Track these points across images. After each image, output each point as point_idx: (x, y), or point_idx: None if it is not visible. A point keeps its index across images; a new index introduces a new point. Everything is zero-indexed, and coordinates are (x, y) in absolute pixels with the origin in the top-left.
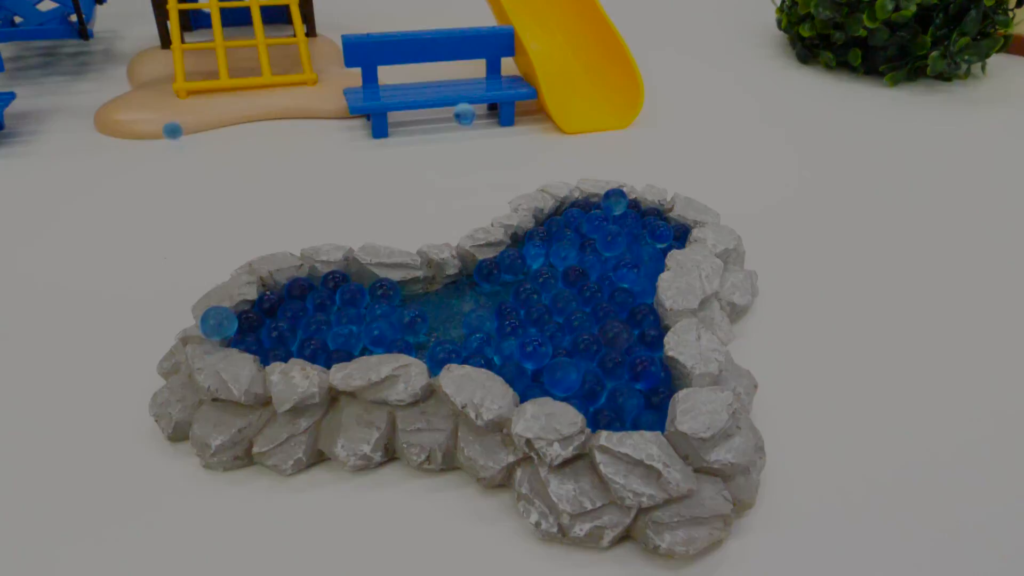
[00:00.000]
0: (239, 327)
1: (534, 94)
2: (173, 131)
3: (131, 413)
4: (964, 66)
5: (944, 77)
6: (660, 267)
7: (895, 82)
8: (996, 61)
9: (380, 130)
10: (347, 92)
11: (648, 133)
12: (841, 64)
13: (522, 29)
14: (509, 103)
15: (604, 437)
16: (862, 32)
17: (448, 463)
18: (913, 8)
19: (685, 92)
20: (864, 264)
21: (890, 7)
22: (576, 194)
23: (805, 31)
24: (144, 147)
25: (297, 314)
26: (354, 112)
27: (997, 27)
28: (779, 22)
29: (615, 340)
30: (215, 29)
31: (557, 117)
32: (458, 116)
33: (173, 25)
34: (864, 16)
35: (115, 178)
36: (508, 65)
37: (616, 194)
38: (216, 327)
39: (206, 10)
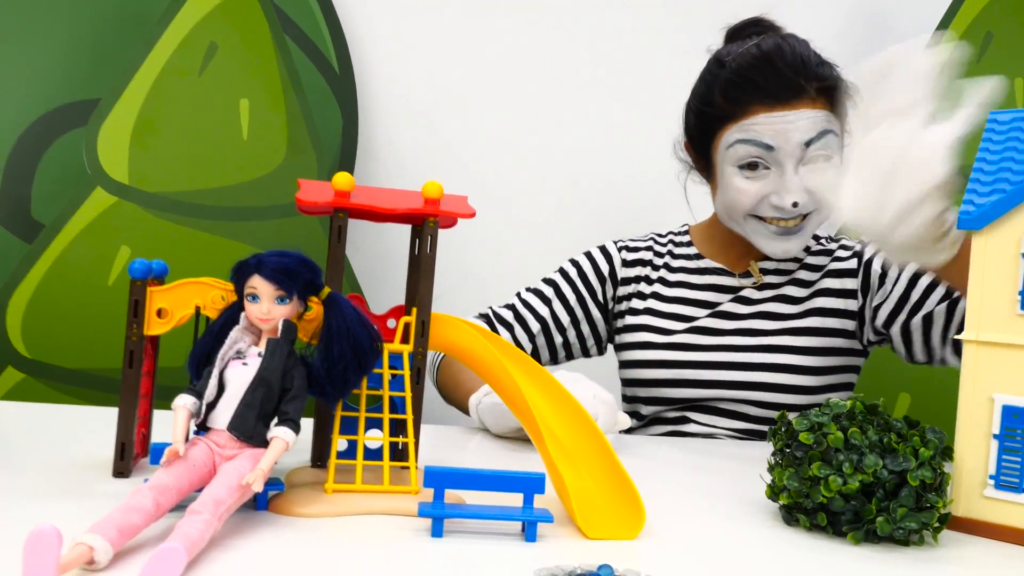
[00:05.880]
0: None
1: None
2: None
3: None
4: (913, 534)
5: (898, 541)
6: None
7: (856, 540)
8: (951, 536)
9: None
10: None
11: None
12: (814, 525)
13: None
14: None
15: None
16: (823, 500)
17: None
18: (856, 484)
19: (678, 536)
20: None
21: (839, 481)
22: None
23: (783, 499)
24: None
25: None
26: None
27: (930, 504)
28: (766, 492)
29: None
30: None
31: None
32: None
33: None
34: (821, 487)
35: None
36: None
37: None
38: None
39: None
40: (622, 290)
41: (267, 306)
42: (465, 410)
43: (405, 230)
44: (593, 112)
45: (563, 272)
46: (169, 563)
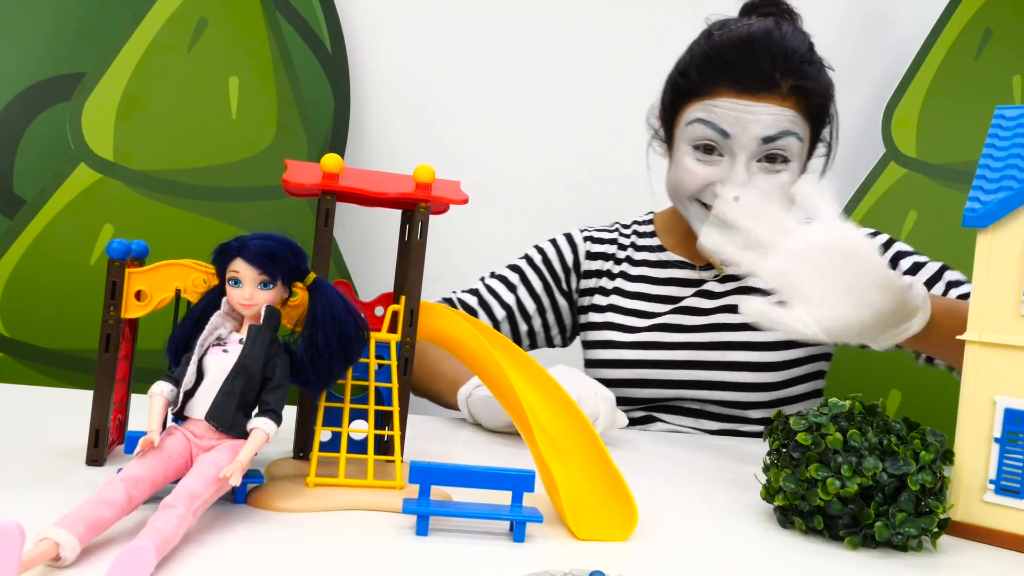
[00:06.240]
0: None
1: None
2: None
3: None
4: (912, 540)
5: (896, 546)
6: None
7: (854, 545)
8: (950, 541)
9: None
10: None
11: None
12: (811, 528)
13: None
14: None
15: None
16: (820, 503)
17: None
18: (855, 487)
19: (671, 538)
20: None
21: (838, 484)
22: None
23: (779, 501)
24: None
25: None
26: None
27: (930, 509)
28: (761, 493)
29: None
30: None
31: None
32: None
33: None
34: (819, 490)
35: None
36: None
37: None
38: None
39: None
40: (584, 283)
41: (249, 291)
42: (441, 401)
43: (395, 215)
44: (588, 100)
45: (528, 259)
46: (137, 563)
